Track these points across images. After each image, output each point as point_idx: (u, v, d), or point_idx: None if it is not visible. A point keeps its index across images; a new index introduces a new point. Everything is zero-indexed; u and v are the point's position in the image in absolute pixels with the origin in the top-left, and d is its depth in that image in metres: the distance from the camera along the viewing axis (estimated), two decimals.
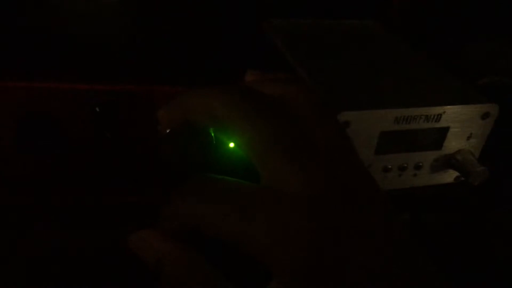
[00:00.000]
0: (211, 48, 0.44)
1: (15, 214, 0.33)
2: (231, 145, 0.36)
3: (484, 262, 0.42)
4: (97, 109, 0.32)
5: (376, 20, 0.58)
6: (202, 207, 0.20)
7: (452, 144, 0.39)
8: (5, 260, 0.31)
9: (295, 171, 0.19)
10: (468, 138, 0.39)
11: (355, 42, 0.51)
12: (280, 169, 0.20)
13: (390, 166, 0.39)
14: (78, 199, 0.34)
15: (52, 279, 0.31)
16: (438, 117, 0.37)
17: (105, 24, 0.45)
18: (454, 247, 0.42)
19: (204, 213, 0.20)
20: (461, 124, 0.38)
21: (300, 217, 0.18)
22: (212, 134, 0.34)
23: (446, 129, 0.38)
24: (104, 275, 0.33)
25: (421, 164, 0.40)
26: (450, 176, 0.42)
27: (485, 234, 0.42)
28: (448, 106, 0.37)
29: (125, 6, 0.50)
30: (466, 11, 0.62)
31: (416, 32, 0.60)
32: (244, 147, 0.21)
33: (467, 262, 0.41)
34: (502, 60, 0.56)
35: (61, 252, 0.32)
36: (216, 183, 0.21)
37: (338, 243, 0.18)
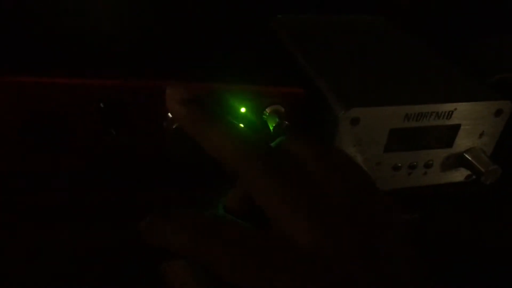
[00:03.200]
0: (218, 44, 0.43)
1: (18, 210, 0.32)
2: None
3: (495, 261, 0.41)
4: (102, 105, 0.31)
5: (384, 16, 0.57)
6: (216, 249, 0.20)
7: (464, 142, 0.38)
8: (10, 258, 0.31)
9: (309, 224, 0.19)
10: (480, 135, 0.38)
11: (364, 38, 0.50)
12: (292, 222, 0.19)
13: (399, 164, 0.38)
14: (81, 196, 0.33)
15: (55, 277, 0.30)
16: (449, 114, 0.36)
17: (111, 20, 0.45)
18: (465, 247, 0.41)
19: (214, 254, 0.20)
20: (472, 121, 0.37)
21: (312, 272, 0.18)
22: None
23: (458, 126, 0.37)
24: (108, 273, 0.33)
25: (431, 162, 0.39)
26: (461, 174, 0.41)
27: (497, 234, 0.41)
28: (460, 103, 0.36)
29: (133, 2, 0.50)
30: (477, 7, 0.61)
31: (426, 28, 0.59)
32: (260, 201, 0.21)
33: (478, 262, 0.41)
34: None
35: (64, 250, 0.31)
36: (230, 227, 0.21)
37: None
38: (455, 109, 0.36)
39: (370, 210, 0.21)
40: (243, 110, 0.35)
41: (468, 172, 0.40)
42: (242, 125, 0.35)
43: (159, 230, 0.22)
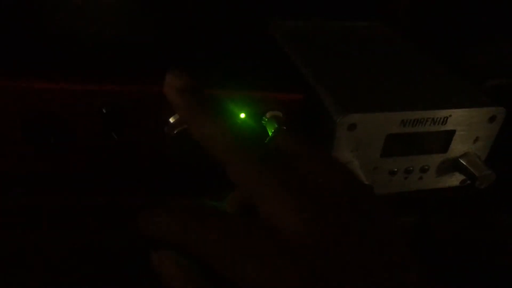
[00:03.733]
0: (217, 49, 0.44)
1: (19, 213, 0.33)
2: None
3: (490, 265, 0.41)
4: (104, 110, 0.32)
5: (382, 21, 0.58)
6: (200, 233, 0.20)
7: (459, 147, 0.39)
8: (11, 260, 0.31)
9: (292, 211, 0.20)
10: (475, 141, 0.39)
11: (361, 43, 0.51)
12: (278, 208, 0.20)
13: (396, 169, 0.39)
14: (82, 199, 0.34)
15: (57, 278, 0.31)
16: (445, 120, 0.37)
17: (113, 25, 0.45)
18: (460, 251, 0.42)
19: (202, 243, 0.20)
20: (467, 127, 0.38)
21: (290, 262, 0.19)
22: None
23: (453, 132, 0.38)
24: (108, 274, 0.33)
25: (427, 167, 0.40)
26: (456, 179, 0.42)
27: (491, 239, 0.42)
28: (455, 109, 0.37)
29: (134, 6, 0.50)
30: (472, 13, 0.62)
31: (422, 34, 0.59)
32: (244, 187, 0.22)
33: (473, 266, 0.41)
34: (509, 62, 0.55)
35: (64, 251, 0.32)
36: (218, 216, 0.21)
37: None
38: (450, 115, 0.37)
39: (358, 200, 0.21)
40: (242, 115, 0.35)
41: (463, 177, 0.41)
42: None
43: (154, 220, 0.22)
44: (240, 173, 0.22)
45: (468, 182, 0.41)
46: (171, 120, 0.33)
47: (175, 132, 0.33)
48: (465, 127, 0.38)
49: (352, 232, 0.20)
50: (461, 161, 0.39)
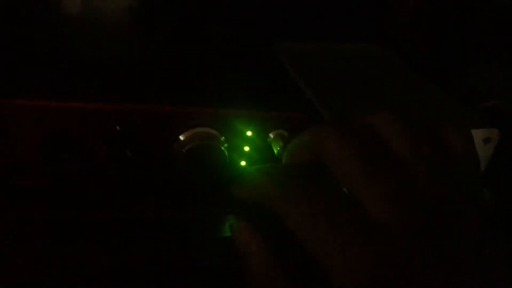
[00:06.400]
0: (224, 70, 0.46)
1: (35, 228, 0.34)
2: (243, 163, 0.38)
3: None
4: (118, 128, 0.33)
5: (381, 44, 0.60)
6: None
7: None
8: (21, 272, 0.32)
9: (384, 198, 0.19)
10: None
11: (361, 65, 0.53)
12: (369, 196, 0.19)
13: None
14: (96, 216, 0.35)
15: None
16: None
17: (127, 45, 0.47)
18: None
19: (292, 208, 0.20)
20: None
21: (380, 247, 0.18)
22: (226, 153, 0.36)
23: None
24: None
25: None
26: None
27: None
28: None
29: (146, 27, 0.53)
30: (467, 35, 0.64)
31: (418, 56, 0.62)
32: None
33: None
34: (504, 84, 0.57)
35: (77, 264, 0.33)
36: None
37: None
38: None
39: (456, 210, 0.20)
40: (249, 133, 0.37)
41: None
42: (247, 148, 0.37)
43: (253, 183, 0.23)
44: (328, 149, 0.21)
45: None
46: (181, 137, 0.34)
47: (184, 149, 0.34)
48: None
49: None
50: None
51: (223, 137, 0.36)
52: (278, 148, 0.36)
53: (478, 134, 0.39)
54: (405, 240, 0.18)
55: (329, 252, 0.18)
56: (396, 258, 0.18)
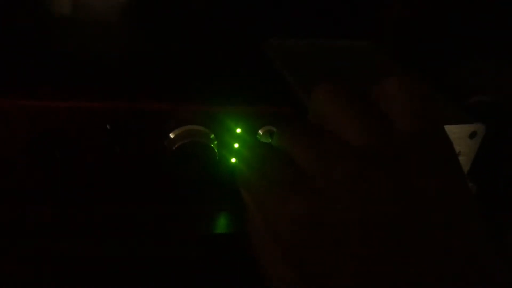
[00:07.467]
0: (213, 67, 0.46)
1: (24, 227, 0.34)
2: (233, 160, 0.38)
3: None
4: (108, 127, 0.33)
5: (369, 40, 0.60)
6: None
7: None
8: (16, 269, 0.33)
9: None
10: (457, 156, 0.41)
11: (352, 62, 0.53)
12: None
13: None
14: (86, 214, 0.35)
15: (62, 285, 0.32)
16: None
17: (116, 43, 0.47)
18: None
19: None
20: None
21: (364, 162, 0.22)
22: (216, 150, 0.36)
23: None
24: (109, 283, 0.34)
25: None
26: None
27: None
28: None
29: (135, 26, 0.52)
30: (454, 33, 0.65)
31: (407, 52, 0.62)
32: None
33: None
34: (491, 79, 0.58)
35: (70, 260, 0.33)
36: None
37: None
38: None
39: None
40: (238, 130, 0.37)
41: None
42: (237, 145, 0.38)
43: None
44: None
45: None
46: (171, 135, 0.35)
47: (174, 147, 0.34)
48: None
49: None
50: None
51: (213, 135, 0.36)
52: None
53: (464, 129, 0.40)
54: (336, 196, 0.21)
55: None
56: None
